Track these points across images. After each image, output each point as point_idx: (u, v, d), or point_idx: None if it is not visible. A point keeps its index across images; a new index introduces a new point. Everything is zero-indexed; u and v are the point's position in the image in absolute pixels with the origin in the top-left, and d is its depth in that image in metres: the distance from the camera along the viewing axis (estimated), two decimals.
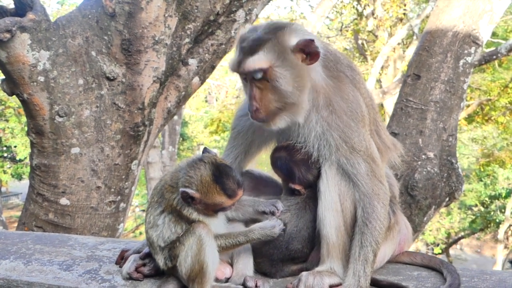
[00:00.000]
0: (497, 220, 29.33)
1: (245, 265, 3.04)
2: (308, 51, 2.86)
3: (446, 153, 6.14)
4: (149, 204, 3.05)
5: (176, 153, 19.02)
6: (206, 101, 42.02)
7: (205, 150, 3.01)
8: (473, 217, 31.18)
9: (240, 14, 6.00)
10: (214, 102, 39.87)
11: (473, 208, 31.61)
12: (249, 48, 2.85)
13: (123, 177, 5.70)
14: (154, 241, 2.95)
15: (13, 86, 5.26)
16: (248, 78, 2.90)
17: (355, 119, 2.97)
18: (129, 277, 3.11)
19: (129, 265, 3.12)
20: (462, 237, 32.39)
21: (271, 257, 3.06)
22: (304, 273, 2.87)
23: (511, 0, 6.39)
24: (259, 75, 2.85)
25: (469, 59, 6.16)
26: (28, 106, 5.29)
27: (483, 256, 36.27)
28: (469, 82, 6.35)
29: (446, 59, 6.12)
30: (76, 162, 5.43)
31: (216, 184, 2.84)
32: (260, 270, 3.10)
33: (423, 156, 6.00)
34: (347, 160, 2.94)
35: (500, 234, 28.86)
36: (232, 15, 5.97)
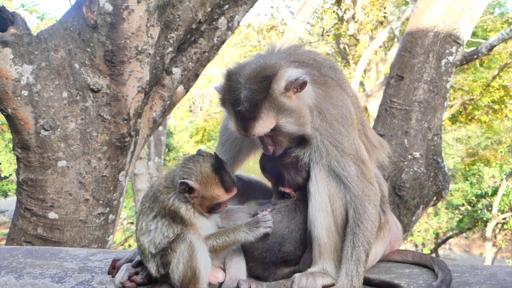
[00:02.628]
0: (485, 219, 29.50)
1: (238, 269, 3.05)
2: (297, 86, 2.90)
3: (432, 153, 6.18)
4: (139, 212, 3.04)
5: (162, 164, 18.95)
6: (191, 110, 41.98)
7: (200, 151, 3.03)
8: (461, 216, 31.37)
9: (222, 21, 6.02)
10: (199, 112, 39.85)
11: (460, 207, 31.82)
12: (248, 113, 2.85)
13: (111, 188, 5.68)
14: (146, 248, 2.94)
15: None
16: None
17: (345, 124, 3.00)
18: (122, 287, 3.09)
19: (121, 275, 3.11)
20: (451, 236, 32.56)
21: (264, 260, 3.06)
22: (297, 275, 2.88)
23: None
24: (268, 132, 2.92)
25: (451, 58, 6.22)
26: (12, 121, 5.26)
27: (472, 255, 36.46)
28: (452, 81, 6.40)
29: (428, 59, 6.17)
30: (63, 175, 5.40)
31: (215, 175, 2.89)
32: (253, 274, 3.10)
33: (409, 156, 6.04)
34: (337, 163, 2.97)
35: (488, 232, 29.00)
36: (214, 22, 5.98)
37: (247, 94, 2.85)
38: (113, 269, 3.30)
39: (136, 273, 3.11)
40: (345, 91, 3.14)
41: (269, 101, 2.86)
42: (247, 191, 3.33)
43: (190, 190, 2.86)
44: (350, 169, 2.98)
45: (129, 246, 32.23)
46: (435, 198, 6.25)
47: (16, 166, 5.69)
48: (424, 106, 6.15)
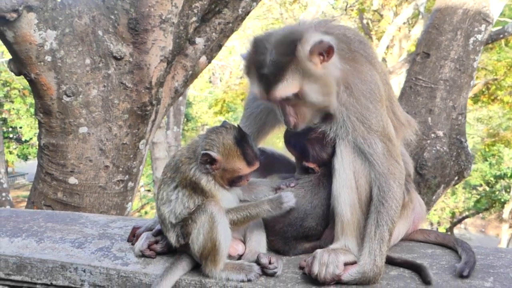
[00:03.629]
0: (502, 200, 29.33)
1: (258, 242, 3.03)
2: (322, 51, 2.83)
3: (455, 132, 6.10)
4: (161, 181, 3.03)
5: (180, 134, 19.00)
6: (210, 81, 41.90)
7: (225, 123, 3.00)
8: (478, 196, 31.17)
9: None
10: (218, 83, 39.76)
11: (478, 187, 31.60)
12: (273, 75, 2.80)
13: (131, 156, 5.69)
14: (166, 218, 2.94)
15: (20, 66, 5.24)
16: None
17: (373, 100, 2.94)
18: (142, 255, 3.11)
19: (141, 243, 3.11)
20: (467, 216, 32.42)
21: (285, 234, 3.04)
22: (318, 251, 2.86)
23: None
24: (291, 98, 2.85)
25: (479, 37, 6.09)
26: (35, 86, 5.28)
27: (487, 235, 36.34)
28: (478, 60, 6.28)
29: (456, 37, 6.06)
30: (84, 141, 5.42)
31: (238, 147, 2.86)
32: (273, 248, 3.09)
33: (433, 135, 5.97)
34: (364, 140, 2.92)
35: (505, 214, 28.88)
36: None
37: (273, 57, 2.81)
38: (133, 236, 3.31)
39: (156, 242, 3.11)
40: (375, 67, 3.07)
41: (294, 64, 2.80)
42: (270, 164, 3.30)
43: (212, 161, 2.84)
44: (377, 147, 2.93)
45: (146, 213, 32.57)
46: (456, 178, 6.18)
47: (37, 131, 5.72)
48: (449, 84, 6.05)
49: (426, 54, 6.14)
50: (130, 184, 5.81)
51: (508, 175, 28.88)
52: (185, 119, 32.08)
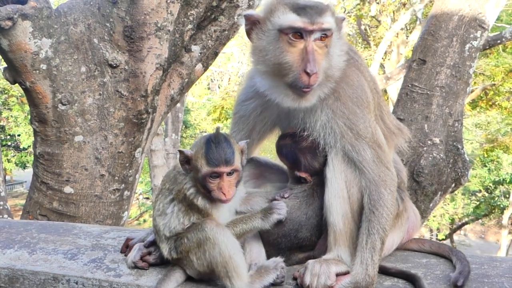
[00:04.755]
0: (501, 206, 29.27)
1: (259, 253, 3.00)
2: (340, 20, 2.93)
3: (452, 139, 6.07)
4: (159, 191, 3.01)
5: (179, 141, 18.97)
6: (209, 88, 41.92)
7: (217, 129, 2.97)
8: (477, 202, 31.11)
9: None
10: (217, 89, 39.78)
11: (477, 193, 31.54)
12: (316, 8, 2.80)
13: (127, 165, 5.68)
14: (160, 230, 2.92)
15: (16, 74, 5.23)
16: (309, 38, 2.80)
17: (361, 105, 2.93)
18: (134, 266, 3.08)
19: (134, 254, 3.09)
20: (466, 222, 32.33)
21: (279, 245, 3.03)
22: (310, 261, 2.84)
23: None
24: (327, 34, 2.82)
25: (475, 43, 6.07)
26: (30, 95, 5.27)
27: (487, 241, 36.29)
28: (475, 67, 6.26)
29: (451, 44, 6.03)
30: (80, 150, 5.41)
31: (204, 145, 2.80)
32: (268, 258, 3.06)
33: (429, 142, 5.93)
34: (352, 147, 2.90)
35: (505, 220, 28.80)
36: (234, 0, 5.91)
37: (309, 1, 2.88)
38: (126, 247, 3.29)
39: (149, 253, 3.09)
40: (363, 74, 3.07)
41: (331, 12, 2.88)
42: (263, 174, 3.29)
43: (187, 160, 2.81)
44: (366, 153, 2.91)
45: (144, 221, 32.53)
46: (453, 185, 6.15)
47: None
48: (445, 91, 6.02)
49: (422, 61, 6.11)
50: (126, 193, 5.79)
51: (507, 181, 28.82)
52: (184, 126, 32.07)
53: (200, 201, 2.85)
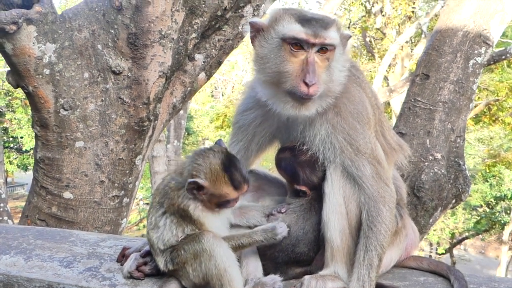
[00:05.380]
0: (502, 221, 29.22)
1: (255, 267, 2.99)
2: (345, 37, 2.94)
3: (453, 155, 6.05)
4: (150, 205, 3.00)
5: (181, 148, 18.98)
6: (212, 95, 41.95)
7: (219, 142, 2.97)
8: (478, 217, 31.07)
9: (248, 9, 5.94)
10: (220, 97, 39.80)
11: (478, 208, 31.50)
12: (321, 21, 2.82)
13: (127, 172, 5.66)
14: (154, 243, 2.91)
15: (19, 78, 5.23)
16: (311, 50, 2.81)
17: (361, 121, 2.92)
18: (130, 276, 3.07)
19: (130, 264, 3.07)
20: (467, 237, 32.29)
21: (276, 260, 3.01)
22: (306, 277, 2.82)
23: None
24: (328, 49, 2.82)
25: (479, 59, 6.06)
26: (33, 99, 5.26)
27: (487, 257, 36.17)
28: (478, 82, 6.25)
29: (455, 59, 6.03)
30: (80, 156, 5.40)
31: (225, 173, 2.80)
32: (264, 272, 3.04)
33: (430, 157, 5.92)
34: (351, 163, 2.89)
35: (505, 236, 28.75)
36: (239, 10, 5.91)
37: (318, 14, 2.90)
38: (122, 257, 3.27)
39: (145, 263, 3.08)
40: (364, 90, 3.07)
41: (337, 27, 2.89)
42: (262, 186, 3.28)
43: (199, 188, 2.80)
44: (365, 169, 2.90)
45: (144, 226, 32.44)
46: (454, 201, 6.12)
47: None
48: (448, 106, 6.01)
49: (426, 76, 6.11)
50: (126, 200, 5.78)
51: (509, 197, 28.79)
52: (186, 133, 32.09)
53: (194, 212, 2.85)
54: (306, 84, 2.74)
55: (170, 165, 17.59)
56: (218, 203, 2.86)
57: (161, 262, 2.90)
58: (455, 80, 6.03)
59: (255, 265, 2.99)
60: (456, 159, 6.07)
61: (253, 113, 3.17)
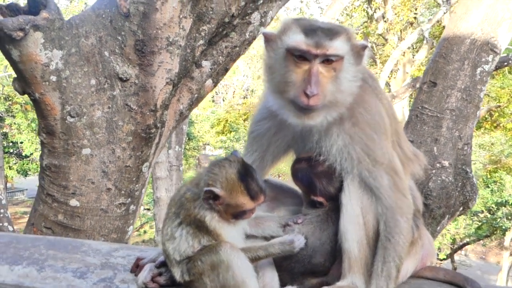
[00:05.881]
0: (503, 227, 29.20)
1: (272, 278, 2.98)
2: (360, 48, 2.90)
3: (461, 162, 6.05)
4: (166, 216, 2.99)
5: (182, 153, 18.94)
6: (213, 100, 42.00)
7: (235, 152, 2.96)
8: (479, 223, 31.03)
9: (255, 16, 5.93)
10: (221, 102, 39.88)
11: (479, 214, 31.45)
12: (328, 31, 2.80)
13: (134, 179, 5.64)
14: (170, 254, 2.89)
15: (25, 85, 5.20)
16: (314, 60, 2.79)
17: (378, 131, 2.91)
18: (145, 287, 3.04)
19: (145, 274, 3.05)
20: (468, 243, 32.25)
21: (292, 270, 3.00)
22: None
23: None
24: (333, 59, 2.80)
25: (486, 67, 6.06)
26: (39, 106, 5.23)
27: (488, 262, 36.15)
28: (485, 90, 6.25)
29: (463, 67, 6.02)
30: (87, 163, 5.37)
31: (241, 182, 2.79)
32: (280, 283, 3.03)
33: (438, 165, 5.91)
34: (369, 173, 2.87)
35: (506, 241, 28.74)
36: (247, 17, 5.90)
37: (326, 23, 2.90)
38: (136, 267, 3.25)
39: (160, 274, 3.06)
40: (381, 100, 3.06)
41: (347, 37, 2.86)
42: (277, 196, 3.26)
43: (215, 197, 2.79)
44: (383, 180, 2.89)
45: (145, 232, 32.44)
46: (461, 208, 6.12)
47: (38, 146, 5.66)
48: (456, 114, 6.01)
49: (433, 83, 6.10)
50: (132, 207, 5.75)
51: (510, 203, 28.77)
52: (187, 138, 32.08)
53: (210, 223, 2.84)
54: (307, 95, 2.74)
55: (172, 170, 17.57)
56: (235, 213, 2.84)
57: (177, 273, 2.88)
58: (463, 87, 6.03)
59: (271, 276, 2.98)
60: (463, 167, 6.07)
61: (268, 123, 3.17)
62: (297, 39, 2.80)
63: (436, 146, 5.96)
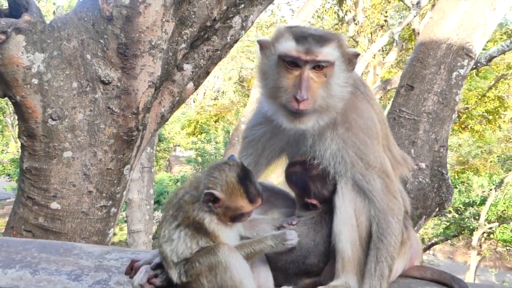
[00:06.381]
0: (471, 227, 29.67)
1: (266, 278, 3.04)
2: (351, 55, 2.98)
3: (437, 164, 6.19)
4: (163, 218, 3.02)
5: (154, 155, 18.82)
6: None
7: (232, 157, 3.01)
8: (447, 223, 31.50)
9: (237, 20, 5.99)
10: (192, 103, 39.72)
11: (447, 214, 31.92)
12: (319, 38, 2.88)
13: (115, 181, 5.64)
14: (168, 256, 2.92)
15: (6, 88, 5.16)
16: (305, 66, 2.87)
17: (370, 136, 2.99)
18: None
19: (140, 276, 3.08)
20: (436, 243, 32.68)
21: (287, 271, 3.06)
22: None
23: (503, 14, 6.46)
24: (324, 65, 2.87)
25: (462, 71, 6.22)
26: (20, 109, 5.20)
27: (455, 262, 36.66)
28: (460, 94, 6.40)
29: (439, 71, 6.17)
30: (68, 166, 5.35)
31: (241, 186, 2.85)
32: (274, 283, 3.08)
33: (415, 167, 6.03)
34: (362, 177, 2.96)
35: (474, 241, 29.20)
36: (228, 21, 5.95)
37: (318, 30, 2.99)
38: (131, 269, 3.27)
39: (155, 276, 3.08)
40: (372, 106, 3.15)
41: (338, 43, 2.94)
42: (269, 199, 3.31)
43: (215, 200, 2.84)
44: (375, 183, 2.98)
45: (114, 234, 32.05)
46: (437, 209, 6.26)
47: (3, 148, 5.61)
48: (432, 117, 6.14)
49: (410, 87, 6.23)
50: (113, 210, 5.75)
51: (477, 203, 29.29)
52: (157, 140, 31.91)
53: (209, 225, 2.88)
54: (297, 99, 2.82)
55: (144, 172, 17.41)
56: (233, 216, 2.90)
57: (174, 275, 2.91)
58: (439, 91, 6.17)
59: (265, 276, 3.04)
60: (439, 169, 6.20)
61: (264, 128, 3.23)
62: (288, 46, 2.88)
63: (414, 148, 6.08)
